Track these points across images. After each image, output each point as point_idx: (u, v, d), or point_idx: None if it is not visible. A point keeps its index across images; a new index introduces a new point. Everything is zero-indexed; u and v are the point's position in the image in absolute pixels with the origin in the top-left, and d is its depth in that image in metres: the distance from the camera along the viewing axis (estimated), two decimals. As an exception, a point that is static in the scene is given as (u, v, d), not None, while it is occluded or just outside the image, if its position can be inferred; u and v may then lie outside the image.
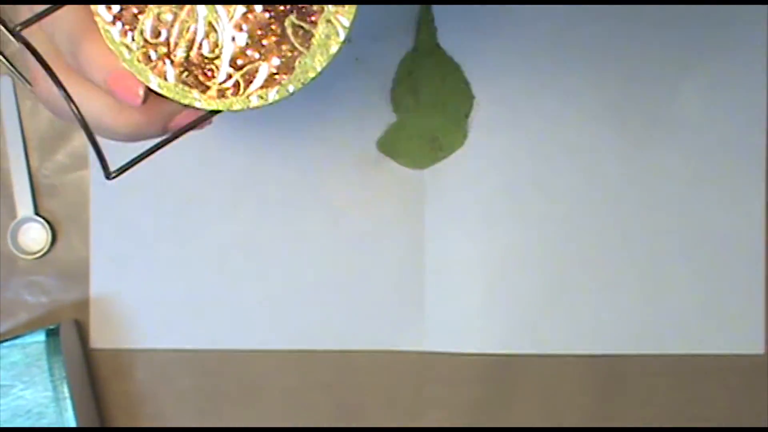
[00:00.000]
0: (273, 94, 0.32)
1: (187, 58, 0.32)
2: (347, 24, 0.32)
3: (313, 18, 0.32)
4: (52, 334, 0.53)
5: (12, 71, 0.56)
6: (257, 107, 0.33)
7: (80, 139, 0.57)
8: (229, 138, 0.56)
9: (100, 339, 0.56)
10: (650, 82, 0.54)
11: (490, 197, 0.55)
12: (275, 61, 0.32)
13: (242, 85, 0.32)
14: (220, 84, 0.32)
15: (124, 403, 0.56)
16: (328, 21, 0.32)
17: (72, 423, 0.52)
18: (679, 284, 0.55)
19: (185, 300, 0.56)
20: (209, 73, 0.32)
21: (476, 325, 0.55)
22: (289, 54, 0.32)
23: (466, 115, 0.55)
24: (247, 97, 0.32)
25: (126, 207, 0.56)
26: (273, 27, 0.32)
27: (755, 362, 0.54)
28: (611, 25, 0.54)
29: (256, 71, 0.32)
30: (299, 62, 0.32)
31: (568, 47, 0.54)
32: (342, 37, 0.32)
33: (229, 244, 0.56)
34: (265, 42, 0.32)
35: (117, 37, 0.32)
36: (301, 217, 0.56)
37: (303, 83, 0.33)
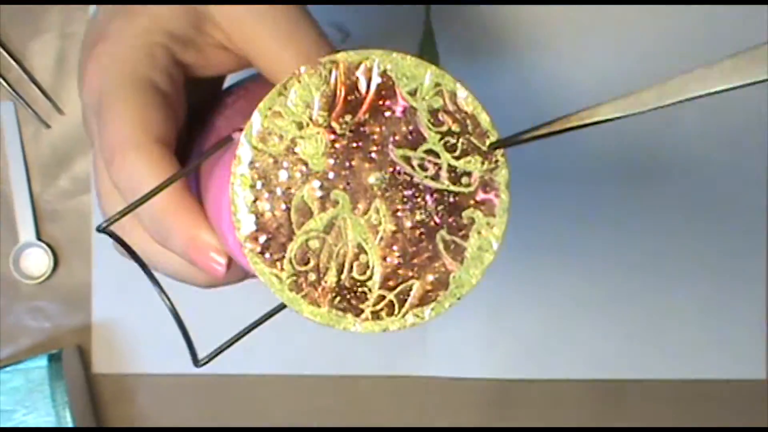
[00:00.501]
0: (428, 312, 0.31)
1: (338, 282, 0.31)
2: (499, 234, 0.32)
3: (463, 232, 0.31)
4: (54, 359, 0.53)
5: (17, 99, 0.56)
6: (413, 325, 0.32)
7: (82, 164, 0.57)
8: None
9: (102, 364, 0.56)
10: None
11: (492, 222, 0.55)
12: (429, 278, 0.31)
13: (396, 305, 0.31)
14: (374, 306, 0.31)
15: (127, 427, 0.56)
16: (479, 233, 0.32)
17: (74, 449, 0.52)
18: (680, 309, 0.55)
19: (188, 325, 0.55)
20: (361, 296, 0.31)
21: (478, 349, 0.55)
22: (443, 270, 0.31)
23: (468, 141, 0.55)
24: (403, 316, 0.31)
25: (128, 232, 0.56)
26: (424, 244, 0.31)
27: (757, 387, 0.55)
28: (610, 51, 0.54)
29: (410, 290, 0.31)
30: (453, 277, 0.31)
31: (568, 73, 0.55)
32: (495, 247, 0.32)
33: (232, 269, 0.56)
34: (416, 260, 0.31)
35: (266, 269, 0.31)
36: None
37: (458, 298, 0.32)
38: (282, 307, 0.29)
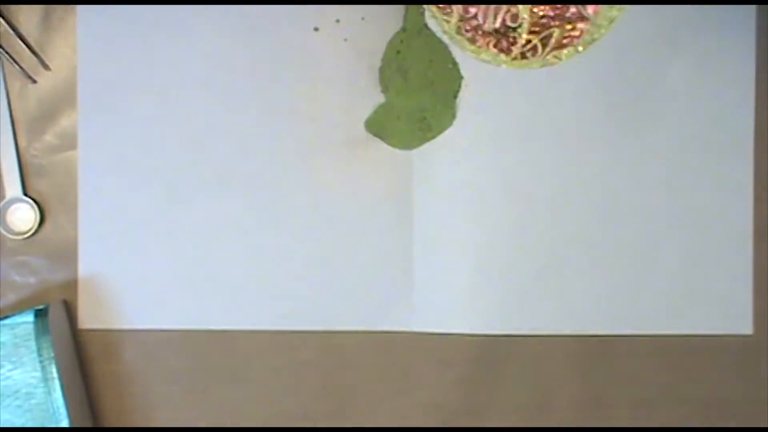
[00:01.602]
0: (564, 53, 0.41)
1: (494, 28, 0.40)
2: None
3: None
4: (40, 314, 0.53)
5: (3, 54, 0.56)
6: (551, 64, 0.41)
7: (69, 119, 0.56)
8: (217, 118, 0.56)
9: (88, 319, 0.56)
10: (639, 62, 0.54)
11: (479, 177, 0.55)
12: (567, 27, 0.40)
13: (540, 47, 0.40)
14: (522, 47, 0.40)
15: (113, 383, 0.56)
16: None
17: (60, 402, 0.52)
18: (667, 265, 0.55)
19: (173, 280, 0.56)
20: (512, 40, 0.40)
21: (464, 305, 0.55)
22: (578, 22, 0.40)
23: (455, 96, 0.55)
24: (544, 57, 0.41)
25: (114, 187, 0.56)
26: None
27: (744, 342, 0.54)
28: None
29: (551, 36, 0.40)
30: (586, 27, 0.40)
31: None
32: (620, 6, 0.40)
33: (218, 225, 0.56)
34: (557, 12, 0.40)
35: (437, 13, 0.42)
36: (290, 198, 0.56)
37: (588, 44, 0.41)
38: None
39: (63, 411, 0.52)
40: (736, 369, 0.55)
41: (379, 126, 0.55)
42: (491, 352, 0.55)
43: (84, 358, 0.56)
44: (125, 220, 0.56)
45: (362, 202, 0.55)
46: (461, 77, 0.55)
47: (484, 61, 0.40)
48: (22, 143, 0.56)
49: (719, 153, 0.54)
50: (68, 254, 0.56)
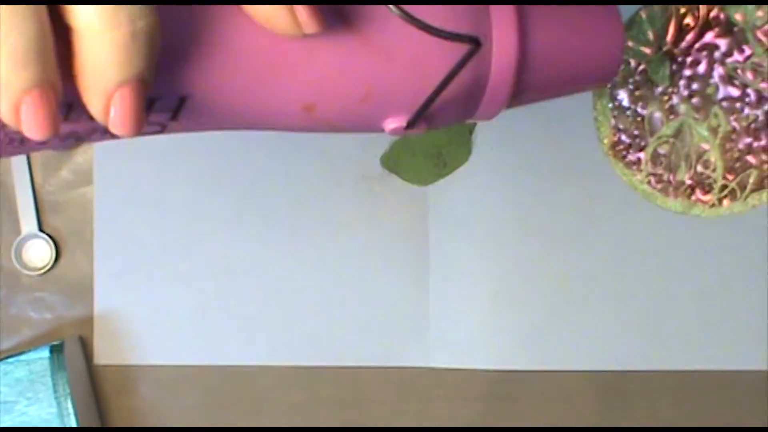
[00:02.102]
0: (766, 196, 0.40)
1: (687, 177, 0.39)
2: None
3: None
4: (56, 350, 0.53)
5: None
6: (754, 207, 0.40)
7: (84, 155, 0.56)
8: (233, 154, 0.56)
9: (104, 355, 0.56)
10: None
11: (495, 213, 0.55)
12: (765, 166, 0.39)
13: (738, 191, 0.39)
14: (719, 193, 0.40)
15: (129, 418, 0.56)
16: None
17: (76, 440, 0.52)
18: (683, 300, 0.55)
19: (190, 316, 0.56)
20: (707, 187, 0.39)
21: (481, 340, 0.55)
22: None
23: (471, 131, 0.55)
24: (745, 200, 0.40)
25: (129, 223, 0.56)
26: (758, 138, 0.38)
27: (759, 378, 0.55)
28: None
29: (749, 177, 0.39)
30: None
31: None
32: None
33: (234, 260, 0.56)
34: (752, 153, 0.38)
35: (626, 170, 0.41)
36: (306, 233, 0.56)
37: None
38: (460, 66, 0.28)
39: (77, 428, 0.53)
40: (753, 404, 0.55)
41: (394, 162, 0.56)
42: (508, 388, 0.55)
43: (100, 394, 0.56)
44: (141, 256, 0.56)
45: (378, 238, 0.55)
46: (477, 113, 0.55)
47: (679, 213, 0.39)
48: (37, 179, 0.56)
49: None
50: (84, 290, 0.56)
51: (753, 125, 0.37)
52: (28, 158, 0.56)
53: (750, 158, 0.38)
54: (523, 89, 0.30)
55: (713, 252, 0.55)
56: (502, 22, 0.28)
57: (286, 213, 0.56)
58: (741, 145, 0.37)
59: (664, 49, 0.37)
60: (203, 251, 0.56)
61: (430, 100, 0.27)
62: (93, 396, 0.56)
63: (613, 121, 0.39)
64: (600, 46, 0.29)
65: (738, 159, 0.38)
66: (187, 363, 0.56)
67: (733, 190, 0.38)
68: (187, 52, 0.24)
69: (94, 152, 0.56)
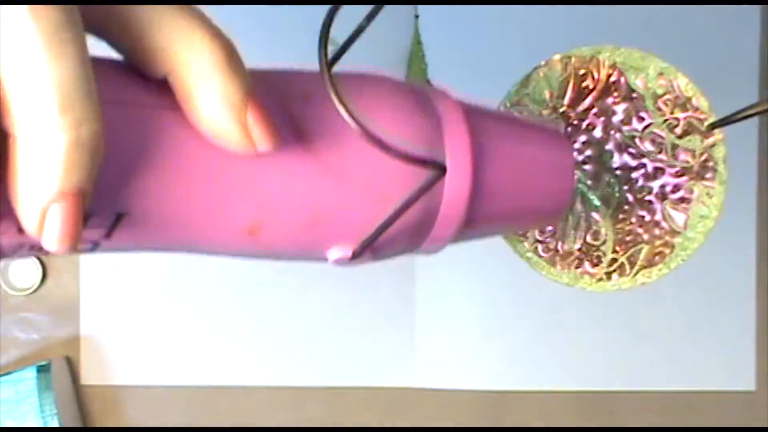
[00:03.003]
0: (656, 272, 0.38)
1: (576, 248, 0.37)
2: (719, 203, 0.37)
3: (685, 203, 0.37)
4: (42, 370, 0.53)
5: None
6: (642, 285, 0.38)
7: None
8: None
9: (91, 375, 0.56)
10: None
11: (481, 233, 0.55)
12: (656, 242, 0.37)
13: (627, 266, 0.37)
14: (608, 267, 0.37)
15: (123, 428, 0.56)
16: (701, 203, 0.37)
17: (62, 461, 0.52)
18: (670, 321, 0.55)
19: (176, 337, 0.56)
20: (596, 260, 0.37)
21: (468, 361, 0.55)
22: (667, 236, 0.37)
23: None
24: (633, 276, 0.38)
25: (117, 243, 0.56)
26: (651, 213, 0.37)
27: (747, 398, 0.54)
28: (601, 24, 0.54)
29: (640, 253, 0.37)
30: (677, 242, 0.37)
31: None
32: (715, 215, 0.37)
33: (219, 281, 0.56)
34: (643, 227, 0.37)
35: (512, 236, 0.38)
36: (292, 254, 0.56)
37: (683, 260, 0.38)
38: (416, 197, 0.25)
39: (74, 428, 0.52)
40: (739, 424, 0.55)
41: (381, 182, 0.55)
42: (495, 408, 0.55)
43: (86, 414, 0.56)
44: (127, 276, 0.56)
45: (365, 258, 0.55)
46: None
47: (565, 285, 0.37)
48: (24, 199, 0.56)
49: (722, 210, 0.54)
50: (70, 310, 0.56)
51: (647, 198, 0.36)
52: (15, 178, 0.56)
53: (641, 232, 0.36)
54: (474, 220, 0.27)
55: (699, 272, 0.55)
56: (456, 146, 0.26)
57: (272, 233, 0.56)
58: (633, 218, 0.36)
59: (560, 110, 0.35)
60: (189, 272, 0.56)
61: (383, 227, 0.25)
62: (79, 416, 0.56)
63: None
64: (552, 177, 0.28)
65: (629, 233, 0.36)
66: (173, 384, 0.56)
67: (622, 265, 0.37)
68: (129, 165, 0.22)
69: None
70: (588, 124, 0.35)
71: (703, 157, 0.35)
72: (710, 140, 0.35)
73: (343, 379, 0.55)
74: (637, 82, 0.34)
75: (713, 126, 0.35)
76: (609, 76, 0.34)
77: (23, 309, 0.56)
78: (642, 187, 0.36)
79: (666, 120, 0.35)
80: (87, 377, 0.56)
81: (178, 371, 0.56)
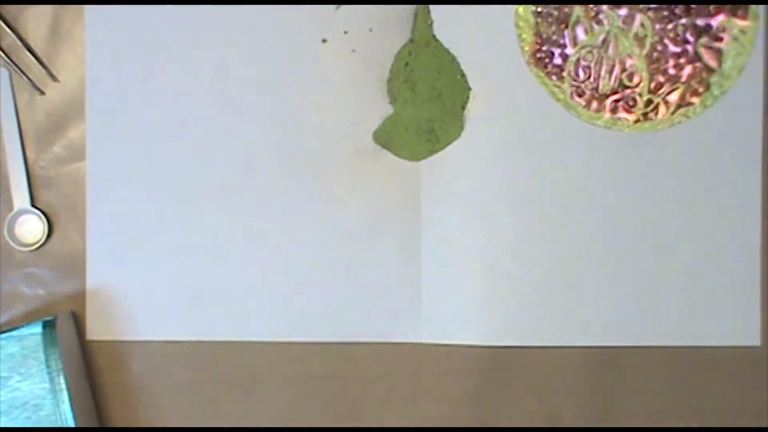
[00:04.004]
0: (692, 111, 0.38)
1: (611, 90, 0.37)
2: (752, 37, 0.37)
3: (719, 37, 0.37)
4: (48, 326, 0.53)
5: (11, 66, 0.56)
6: (679, 123, 0.38)
7: (76, 131, 0.56)
8: (225, 130, 0.56)
9: (96, 331, 0.56)
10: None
11: (487, 188, 0.55)
12: (691, 81, 0.37)
13: (662, 107, 0.38)
14: (644, 108, 0.38)
15: (121, 394, 0.56)
16: (734, 39, 0.37)
17: (69, 414, 0.52)
18: (676, 276, 0.54)
19: (182, 291, 0.56)
20: (632, 102, 0.38)
21: (473, 316, 0.55)
22: (703, 73, 0.37)
23: (463, 107, 0.55)
24: (671, 116, 0.39)
25: (122, 199, 0.56)
26: (686, 50, 0.37)
27: (752, 354, 0.54)
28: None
29: (674, 92, 0.38)
30: (713, 79, 0.37)
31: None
32: (749, 50, 0.38)
33: (226, 236, 0.56)
34: (678, 66, 0.37)
35: (548, 80, 0.38)
36: (298, 209, 0.56)
37: (717, 97, 0.38)
38: None
39: (71, 422, 0.52)
40: (745, 380, 0.54)
41: (387, 137, 0.55)
42: (500, 364, 0.55)
43: (92, 370, 0.56)
44: (133, 232, 0.56)
45: (370, 214, 0.55)
46: (469, 89, 0.55)
47: (602, 127, 0.37)
48: (30, 155, 0.56)
49: (727, 164, 0.54)
50: (76, 266, 0.56)
51: (680, 36, 0.36)
52: (21, 133, 0.56)
53: (676, 72, 0.37)
54: None
55: (705, 228, 0.55)
56: None
57: (278, 189, 0.56)
58: (669, 59, 0.36)
59: None
60: (196, 227, 0.56)
61: None
62: (85, 371, 0.56)
63: (535, 28, 0.38)
64: None
65: (664, 72, 0.37)
66: (179, 338, 0.56)
67: (657, 105, 0.38)
68: None
69: (87, 128, 0.56)
70: None
71: None
72: None
73: (349, 335, 0.55)
74: None
75: None
76: None
77: (29, 264, 0.56)
78: (675, 26, 0.35)
79: None
80: (93, 332, 0.56)
81: (183, 326, 0.56)
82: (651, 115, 0.37)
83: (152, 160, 0.56)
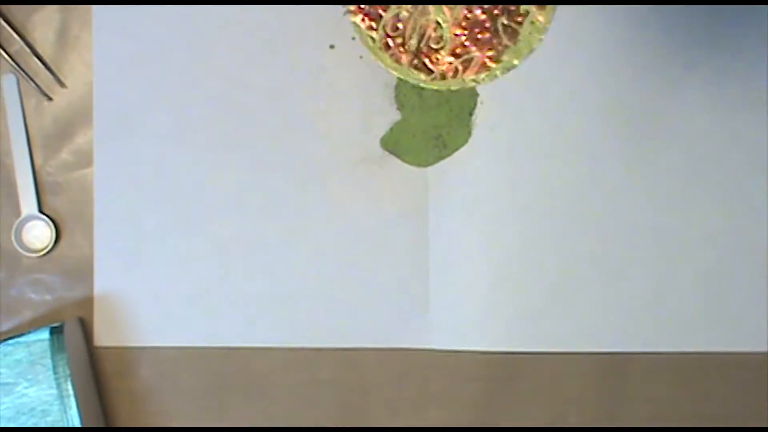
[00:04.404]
0: (483, 77, 0.43)
1: (417, 48, 0.42)
2: (546, 21, 0.43)
3: (519, 19, 0.42)
4: (56, 332, 0.53)
5: (19, 71, 0.56)
6: (470, 86, 0.44)
7: (84, 137, 0.56)
8: (233, 136, 0.56)
9: (104, 337, 0.56)
10: (654, 79, 0.54)
11: (494, 195, 0.55)
12: (488, 52, 0.43)
13: (460, 70, 0.43)
14: (442, 69, 0.43)
15: (128, 400, 0.56)
16: (532, 22, 0.43)
17: (76, 420, 0.52)
18: (683, 282, 0.55)
19: (189, 297, 0.56)
20: (434, 61, 0.43)
21: (480, 322, 0.55)
22: (499, 47, 0.43)
23: (470, 113, 0.55)
24: (463, 79, 0.44)
25: (130, 204, 0.56)
26: (487, 25, 0.42)
27: (759, 359, 0.55)
28: (615, 23, 0.54)
29: (472, 60, 0.43)
30: (506, 54, 0.43)
31: (571, 45, 0.55)
32: (542, 35, 0.43)
33: (234, 242, 0.56)
34: (479, 37, 0.42)
35: (363, 27, 0.43)
36: (306, 215, 0.56)
37: (507, 69, 0.44)
38: None
39: (78, 428, 0.52)
40: (752, 386, 0.55)
41: (394, 143, 0.56)
42: (507, 370, 0.55)
43: (99, 376, 0.56)
44: (141, 238, 0.56)
45: (378, 220, 0.55)
46: (477, 95, 0.55)
47: (402, 77, 0.43)
48: (38, 161, 0.56)
49: (735, 169, 0.54)
50: (84, 272, 0.56)
51: (488, 9, 0.43)
52: (29, 139, 0.56)
53: (476, 41, 0.43)
54: None
55: (712, 234, 0.55)
56: None
57: (286, 195, 0.56)
58: (475, 28, 0.43)
59: None
60: (203, 233, 0.56)
61: None
62: (93, 377, 0.56)
63: None
64: None
65: (466, 41, 0.43)
66: (186, 344, 0.56)
67: (456, 69, 0.44)
68: None
69: (94, 134, 0.56)
70: None
71: None
72: None
73: (356, 341, 0.55)
74: None
75: None
76: None
77: (37, 270, 0.56)
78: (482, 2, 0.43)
79: None
80: (100, 338, 0.56)
81: (191, 332, 0.56)
82: (448, 75, 0.44)
83: (159, 167, 0.56)
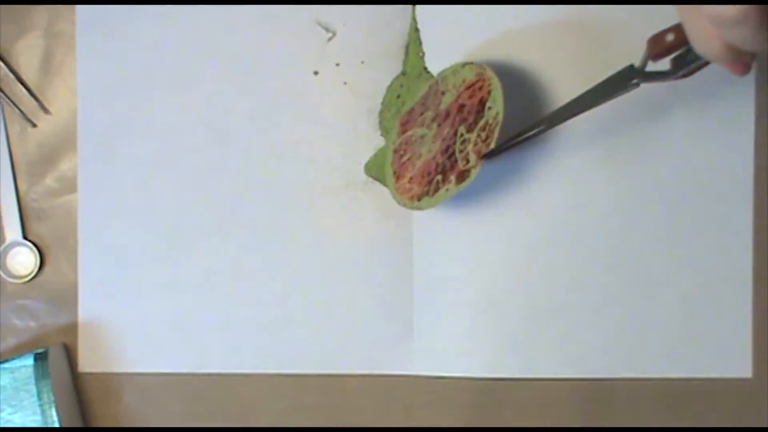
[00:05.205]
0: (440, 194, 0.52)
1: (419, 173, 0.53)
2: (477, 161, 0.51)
3: (467, 164, 0.52)
4: (40, 358, 0.53)
5: (3, 98, 0.56)
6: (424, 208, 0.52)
7: (68, 163, 0.56)
8: (217, 162, 0.56)
9: (88, 363, 0.56)
10: (638, 107, 0.54)
11: (478, 220, 0.55)
12: (450, 177, 0.52)
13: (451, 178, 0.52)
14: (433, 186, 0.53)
15: (113, 426, 0.56)
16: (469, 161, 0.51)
17: (60, 448, 0.52)
18: (666, 307, 0.55)
19: (174, 324, 0.56)
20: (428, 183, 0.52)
21: (464, 348, 0.55)
22: (453, 177, 0.52)
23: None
24: (455, 186, 0.51)
25: (114, 231, 0.56)
26: (446, 158, 0.53)
27: (743, 385, 0.54)
28: (600, 44, 0.54)
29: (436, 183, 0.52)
30: (451, 182, 0.52)
31: (555, 70, 0.55)
32: (476, 170, 0.51)
33: (218, 268, 0.56)
34: (441, 167, 0.53)
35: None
36: (289, 242, 0.56)
37: (450, 192, 0.52)
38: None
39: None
40: (736, 412, 0.55)
41: (378, 170, 0.56)
42: (491, 396, 0.55)
43: (84, 402, 0.56)
44: (125, 264, 0.56)
45: (362, 246, 0.55)
46: (461, 121, 0.55)
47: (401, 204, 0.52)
48: (22, 187, 0.56)
49: (719, 197, 0.54)
50: (68, 298, 0.56)
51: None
52: (13, 165, 0.56)
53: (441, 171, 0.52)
54: None
55: (697, 259, 0.55)
56: None
57: (270, 222, 0.56)
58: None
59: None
60: (188, 259, 0.56)
61: None
62: (77, 404, 0.56)
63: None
64: None
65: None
66: (171, 371, 0.56)
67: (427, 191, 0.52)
68: None
69: (79, 160, 0.56)
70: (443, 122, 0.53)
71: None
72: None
73: (340, 367, 0.55)
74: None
75: (487, 156, 0.50)
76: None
77: (21, 296, 0.56)
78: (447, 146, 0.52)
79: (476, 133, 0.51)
80: (84, 364, 0.56)
81: (175, 359, 0.56)
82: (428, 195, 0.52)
83: (144, 193, 0.56)
